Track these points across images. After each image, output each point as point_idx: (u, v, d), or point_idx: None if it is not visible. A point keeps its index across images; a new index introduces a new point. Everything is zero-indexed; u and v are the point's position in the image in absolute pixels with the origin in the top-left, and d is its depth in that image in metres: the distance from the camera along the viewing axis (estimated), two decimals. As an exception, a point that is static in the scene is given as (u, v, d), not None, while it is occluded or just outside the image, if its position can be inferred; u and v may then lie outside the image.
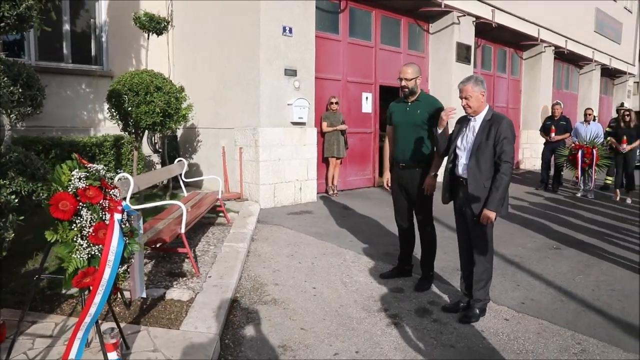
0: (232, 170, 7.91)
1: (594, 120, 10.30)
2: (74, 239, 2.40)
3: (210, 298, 3.66)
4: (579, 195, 9.53)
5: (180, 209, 4.55)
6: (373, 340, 3.27)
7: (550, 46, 14.56)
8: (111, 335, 2.56)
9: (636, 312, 3.83)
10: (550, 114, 10.56)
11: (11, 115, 3.38)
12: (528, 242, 5.86)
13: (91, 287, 2.41)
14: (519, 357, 3.10)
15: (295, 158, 7.80)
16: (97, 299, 2.41)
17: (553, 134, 9.88)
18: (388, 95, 10.05)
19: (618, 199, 9.17)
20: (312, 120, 8.11)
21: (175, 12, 9.14)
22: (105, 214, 2.48)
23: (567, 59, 16.58)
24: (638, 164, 10.23)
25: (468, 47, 11.18)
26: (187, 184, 6.67)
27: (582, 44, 16.39)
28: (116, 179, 3.88)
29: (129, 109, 6.24)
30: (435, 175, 4.07)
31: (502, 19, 12.01)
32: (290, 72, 7.63)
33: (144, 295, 3.30)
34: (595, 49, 17.38)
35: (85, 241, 2.40)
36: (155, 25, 7.31)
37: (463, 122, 3.70)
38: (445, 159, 3.88)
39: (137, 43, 8.72)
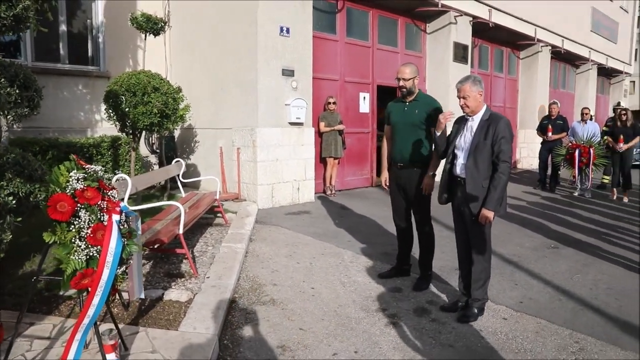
0: (229, 171, 7.90)
1: (591, 119, 10.33)
2: (72, 240, 2.40)
3: (208, 299, 3.66)
4: (576, 194, 9.55)
5: (178, 209, 4.55)
6: (372, 340, 3.28)
7: (547, 46, 14.59)
8: (109, 336, 2.56)
9: (633, 310, 3.85)
10: (547, 113, 10.58)
11: (8, 117, 3.37)
12: (526, 242, 5.87)
13: (90, 289, 2.41)
14: (517, 356, 3.10)
15: (293, 158, 7.79)
16: (96, 300, 2.40)
17: (550, 133, 9.90)
18: (385, 95, 10.07)
19: (615, 198, 9.19)
20: (310, 121, 8.11)
21: (172, 12, 9.13)
22: (103, 215, 2.47)
23: (564, 58, 16.62)
24: (635, 163, 10.27)
25: (465, 47, 11.20)
26: (184, 185, 6.66)
27: (579, 44, 16.43)
28: (114, 179, 3.88)
29: (127, 109, 6.22)
30: (434, 175, 4.08)
31: (499, 19, 12.03)
32: (288, 72, 7.63)
33: (143, 296, 3.29)
34: (591, 49, 17.42)
35: (84, 242, 2.39)
36: (152, 26, 7.29)
37: (461, 122, 3.71)
38: (444, 160, 3.88)
39: (134, 43, 8.70)
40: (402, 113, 4.19)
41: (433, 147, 4.03)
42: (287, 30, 7.55)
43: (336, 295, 4.06)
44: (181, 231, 4.27)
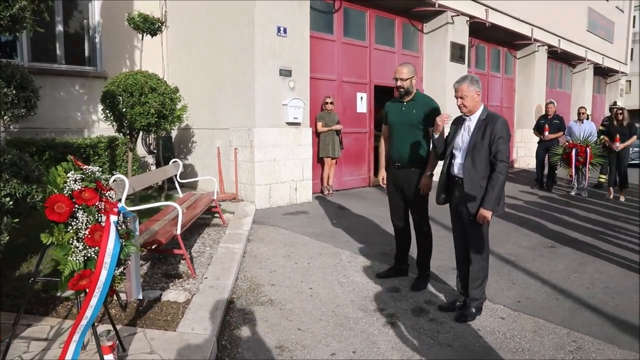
0: (227, 171, 7.89)
1: (588, 118, 10.36)
2: (70, 242, 2.39)
3: (206, 299, 3.66)
4: (573, 193, 9.57)
5: (176, 210, 4.54)
6: (370, 340, 3.28)
7: (543, 45, 14.63)
8: (107, 337, 2.56)
9: (630, 309, 3.86)
10: (544, 112, 10.61)
11: (5, 117, 3.36)
12: (523, 241, 5.89)
13: (87, 290, 2.40)
14: (515, 355, 3.11)
15: (290, 158, 7.79)
16: (94, 301, 2.40)
17: (547, 133, 9.92)
18: (383, 95, 10.08)
19: (611, 197, 9.23)
20: (307, 121, 8.11)
21: (169, 12, 9.11)
22: (101, 216, 2.47)
23: (561, 58, 16.67)
24: (631, 162, 10.30)
25: (462, 47, 11.22)
26: (182, 185, 6.66)
27: (575, 43, 16.49)
28: (111, 180, 3.87)
29: (124, 110, 6.21)
30: (431, 175, 4.08)
31: (495, 19, 12.05)
32: (285, 73, 7.63)
33: (141, 297, 3.29)
34: (588, 48, 17.48)
35: (82, 243, 2.39)
36: (150, 26, 7.28)
37: (458, 122, 3.71)
38: (442, 160, 3.88)
39: (131, 44, 8.68)
40: (399, 113, 4.20)
41: (431, 147, 4.03)
42: (285, 30, 7.55)
43: (334, 295, 4.07)
44: (179, 232, 4.26)
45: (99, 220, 2.46)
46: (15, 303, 3.35)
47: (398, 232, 4.46)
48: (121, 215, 2.64)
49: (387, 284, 4.32)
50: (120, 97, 6.19)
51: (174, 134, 9.02)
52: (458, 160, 3.64)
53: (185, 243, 4.66)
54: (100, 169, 2.65)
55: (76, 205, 2.39)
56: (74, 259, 2.38)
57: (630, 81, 29.11)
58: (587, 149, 9.05)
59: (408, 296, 4.07)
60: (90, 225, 2.41)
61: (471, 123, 3.59)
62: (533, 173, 11.45)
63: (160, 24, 7.51)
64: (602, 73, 20.76)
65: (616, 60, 20.73)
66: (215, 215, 6.40)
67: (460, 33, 11.12)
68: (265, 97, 7.39)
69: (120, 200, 3.62)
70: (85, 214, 2.41)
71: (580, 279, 4.55)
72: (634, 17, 24.57)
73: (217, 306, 3.53)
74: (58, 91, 7.86)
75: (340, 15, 9.22)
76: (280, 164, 7.64)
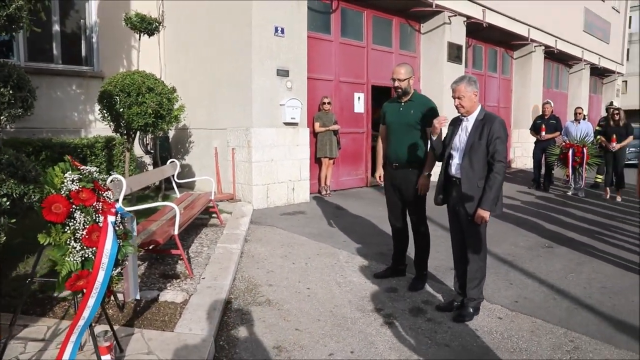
0: (224, 171, 7.88)
1: (584, 119, 10.39)
2: (67, 242, 2.38)
3: (204, 299, 3.65)
4: (570, 193, 9.60)
5: (173, 210, 4.54)
6: (368, 340, 3.28)
7: (540, 46, 14.67)
8: (105, 338, 2.55)
9: (627, 309, 3.87)
10: (540, 113, 10.64)
11: (1, 117, 3.35)
12: (520, 241, 5.90)
13: (85, 290, 2.39)
14: (512, 355, 3.12)
15: (288, 158, 7.79)
16: (91, 302, 2.39)
17: (543, 133, 9.95)
18: (380, 95, 10.09)
19: (608, 197, 9.25)
20: (305, 121, 8.11)
21: (166, 12, 9.10)
22: (98, 217, 2.46)
23: (557, 58, 16.72)
24: (627, 162, 10.33)
25: (459, 47, 11.24)
26: (179, 185, 6.64)
27: (572, 44, 16.53)
28: (108, 180, 3.86)
29: (121, 110, 6.20)
30: (429, 175, 4.09)
31: (492, 19, 12.08)
32: (283, 73, 7.62)
33: (138, 297, 3.29)
34: (584, 49, 17.53)
35: (79, 244, 2.38)
36: (147, 26, 7.26)
37: (456, 122, 3.72)
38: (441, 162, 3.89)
39: (128, 44, 8.67)
40: (397, 113, 4.20)
41: (428, 147, 4.04)
42: (282, 31, 7.54)
43: (332, 295, 4.06)
44: (176, 232, 4.26)
45: (97, 220, 2.45)
46: (12, 303, 3.33)
47: (396, 232, 4.46)
48: (119, 215, 2.63)
49: (385, 284, 4.32)
50: (118, 97, 6.18)
51: (171, 134, 9.01)
52: (456, 161, 3.65)
53: (182, 243, 4.65)
54: (98, 169, 2.65)
55: (73, 206, 2.39)
56: (72, 259, 2.38)
57: (626, 81, 29.20)
58: (584, 149, 9.08)
59: (406, 296, 4.07)
60: (87, 226, 2.41)
61: (469, 123, 3.59)
62: (530, 173, 11.48)
63: (157, 24, 7.50)
64: (599, 73, 20.83)
65: (612, 61, 20.81)
66: (213, 215, 6.40)
67: (457, 33, 11.14)
68: (262, 97, 7.39)
69: (117, 200, 3.62)
70: (83, 214, 2.40)
71: (578, 279, 4.56)
72: (630, 17, 24.63)
73: (214, 306, 3.53)
74: (55, 91, 7.84)
75: (337, 15, 9.22)
76: (277, 164, 7.64)
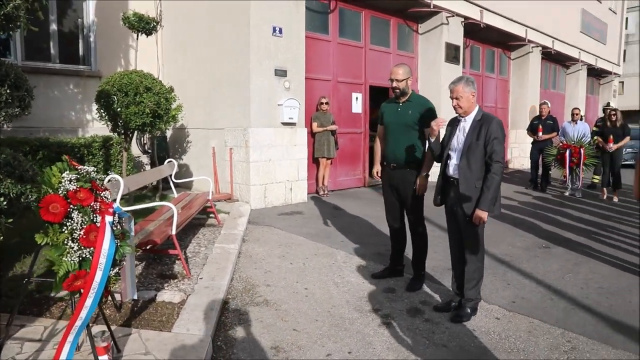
0: (222, 171, 7.88)
1: (581, 119, 10.42)
2: (65, 242, 2.38)
3: (201, 300, 3.65)
4: (567, 194, 9.62)
5: (171, 210, 4.53)
6: (365, 341, 3.28)
7: (537, 46, 14.70)
8: (102, 338, 2.54)
9: (624, 309, 3.88)
10: (537, 113, 10.66)
11: (-1, 117, 3.34)
12: (518, 241, 5.91)
13: (82, 290, 2.39)
14: (510, 355, 3.12)
15: (285, 158, 7.79)
16: (88, 302, 2.38)
17: (540, 133, 9.97)
18: (378, 95, 10.10)
19: (605, 197, 9.28)
20: (303, 121, 8.11)
21: (164, 12, 9.09)
22: (96, 217, 2.45)
23: (554, 59, 16.76)
24: (624, 162, 10.36)
25: (457, 48, 11.25)
26: (177, 185, 6.63)
27: (569, 45, 16.58)
28: (106, 180, 3.85)
29: (119, 109, 6.19)
30: (427, 176, 4.09)
31: (490, 20, 12.10)
32: (281, 73, 7.62)
33: (135, 297, 3.28)
34: (581, 49, 17.58)
35: (76, 244, 2.37)
36: (145, 26, 7.25)
37: (454, 123, 3.72)
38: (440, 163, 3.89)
39: (126, 43, 8.65)
40: (395, 114, 4.20)
41: (426, 147, 4.04)
42: (280, 31, 7.54)
43: (329, 295, 4.06)
44: (174, 232, 4.25)
45: (94, 220, 2.44)
46: (9, 303, 3.32)
47: (393, 232, 4.47)
48: (116, 215, 2.63)
49: (383, 285, 4.33)
50: (115, 97, 6.17)
51: (168, 133, 9.00)
52: (453, 161, 3.65)
53: (180, 243, 4.65)
54: (95, 169, 2.64)
55: (71, 206, 2.38)
56: (69, 259, 2.37)
57: (623, 82, 29.32)
58: (581, 149, 9.11)
59: (403, 297, 4.07)
60: (85, 226, 2.40)
61: (466, 124, 3.60)
62: (527, 174, 11.50)
63: (155, 24, 7.48)
64: (596, 74, 20.90)
65: (609, 62, 20.87)
66: (211, 215, 6.39)
67: (455, 34, 11.16)
68: (260, 97, 7.38)
69: (115, 200, 3.61)
70: (81, 214, 2.39)
71: (575, 279, 4.57)
72: (627, 18, 24.73)
73: (212, 307, 3.52)
74: (52, 90, 7.82)
75: (335, 15, 9.23)
76: (275, 164, 7.63)
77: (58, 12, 7.98)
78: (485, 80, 13.86)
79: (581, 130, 9.62)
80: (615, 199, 9.10)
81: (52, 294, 3.48)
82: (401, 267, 4.54)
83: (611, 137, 9.06)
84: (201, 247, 5.15)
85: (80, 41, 8.34)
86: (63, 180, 2.40)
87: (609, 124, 9.26)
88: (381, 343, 3.25)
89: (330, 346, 3.19)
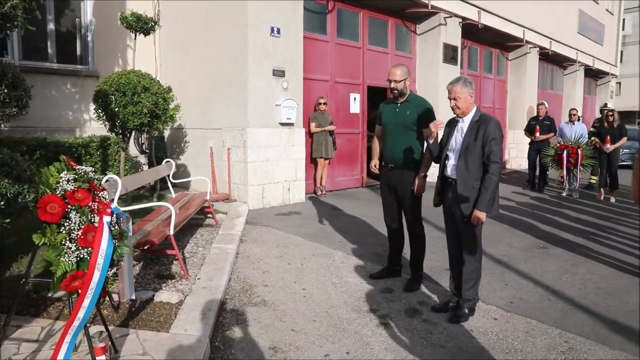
0: (220, 171, 7.87)
1: (579, 120, 10.45)
2: (63, 242, 2.37)
3: (199, 300, 3.64)
4: (564, 194, 9.65)
5: (169, 210, 4.52)
6: (363, 341, 3.28)
7: (535, 47, 14.73)
8: (100, 339, 2.54)
9: (622, 310, 3.89)
10: (535, 114, 10.69)
11: (-4, 116, 3.33)
12: (515, 242, 5.92)
13: (80, 291, 2.38)
14: (508, 356, 3.13)
15: (283, 159, 7.78)
16: (86, 302, 2.38)
17: (537, 134, 10.00)
18: (376, 95, 10.11)
19: (602, 198, 9.30)
20: (301, 121, 8.11)
21: (162, 11, 9.07)
22: (94, 217, 2.45)
23: (552, 59, 16.80)
24: (621, 163, 10.39)
25: (455, 48, 11.27)
26: (174, 185, 6.62)
27: (566, 45, 16.62)
28: (104, 180, 3.84)
29: (116, 109, 6.17)
30: (425, 176, 4.10)
31: (488, 20, 12.12)
32: (279, 73, 7.62)
33: (133, 297, 3.27)
34: (578, 50, 17.63)
35: (74, 244, 2.37)
36: (143, 25, 7.24)
37: (452, 124, 3.73)
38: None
39: (124, 43, 8.63)
40: (393, 114, 4.21)
41: (425, 147, 4.04)
42: (278, 31, 7.54)
43: (327, 296, 4.06)
44: (172, 232, 4.24)
45: (92, 220, 2.44)
46: (6, 304, 3.31)
47: (391, 232, 4.47)
48: (114, 215, 2.62)
49: (381, 285, 4.33)
50: (113, 97, 6.16)
51: (166, 133, 8.98)
52: (451, 162, 3.66)
53: (178, 243, 4.64)
54: (93, 169, 2.63)
55: (69, 206, 2.38)
56: (67, 259, 2.36)
57: (620, 83, 29.40)
58: (578, 150, 9.13)
59: (401, 297, 4.08)
60: (83, 226, 2.39)
61: (464, 124, 3.60)
62: (525, 174, 11.53)
63: (153, 24, 7.47)
64: (593, 75, 20.95)
65: (606, 62, 20.93)
66: (208, 215, 6.38)
67: (452, 34, 11.17)
68: (258, 97, 7.38)
69: (113, 200, 3.60)
70: (78, 214, 2.39)
71: (572, 280, 4.58)
72: (624, 20, 24.80)
73: (210, 307, 3.52)
74: (49, 90, 7.80)
75: (333, 15, 9.23)
76: (273, 165, 7.63)
77: (55, 12, 7.96)
78: (483, 80, 13.88)
79: (578, 131, 9.65)
80: (613, 200, 9.13)
81: (50, 294, 3.47)
82: (399, 267, 4.54)
83: (608, 137, 9.08)
84: (199, 247, 5.15)
85: (78, 41, 8.32)
86: (61, 180, 2.39)
87: (606, 124, 9.28)
88: (379, 343, 3.25)
89: (328, 346, 3.19)
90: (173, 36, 8.95)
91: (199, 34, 8.28)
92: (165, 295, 3.71)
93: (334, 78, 9.35)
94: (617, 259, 5.25)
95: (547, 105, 10.51)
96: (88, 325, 2.55)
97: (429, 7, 10.18)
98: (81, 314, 2.37)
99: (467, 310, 3.66)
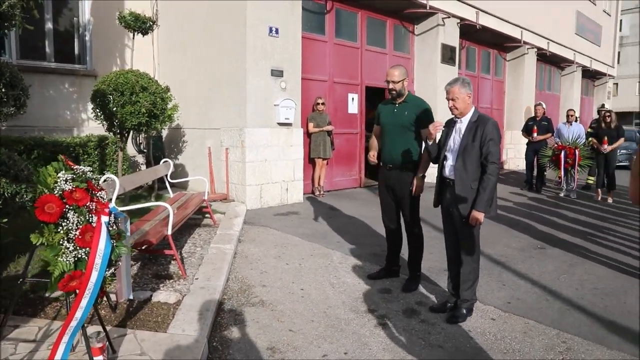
0: (218, 171, 7.86)
1: (576, 121, 10.47)
2: (60, 242, 2.36)
3: (197, 300, 3.63)
4: (562, 195, 9.66)
5: (167, 210, 4.52)
6: (361, 341, 3.28)
7: (532, 48, 14.76)
8: (97, 339, 2.53)
9: (619, 310, 3.90)
10: (532, 114, 10.71)
11: (-7, 116, 3.32)
12: (513, 242, 5.93)
13: (77, 291, 2.37)
14: (505, 356, 3.13)
15: (281, 159, 7.78)
16: (84, 302, 2.37)
17: (535, 134, 10.01)
18: (374, 96, 10.11)
19: (599, 198, 9.32)
20: (299, 121, 8.11)
21: (160, 11, 9.06)
22: (92, 217, 2.44)
23: (549, 60, 16.84)
24: (619, 164, 10.42)
25: (453, 49, 11.28)
26: (172, 185, 6.61)
27: (564, 46, 16.66)
28: (102, 180, 3.83)
29: (114, 109, 6.16)
30: (423, 177, 4.10)
31: (486, 21, 12.13)
32: (277, 73, 7.61)
33: (131, 297, 3.26)
34: (576, 51, 17.67)
35: (72, 244, 2.36)
36: (141, 25, 7.23)
37: (450, 124, 3.73)
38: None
39: (122, 42, 8.62)
40: (391, 114, 4.21)
41: (423, 148, 4.05)
42: (276, 31, 7.53)
43: (325, 296, 4.06)
44: (169, 232, 4.24)
45: (90, 220, 2.43)
46: (3, 304, 3.30)
47: (389, 233, 4.47)
48: (112, 215, 2.62)
49: (379, 285, 4.33)
50: (111, 96, 6.15)
51: (164, 133, 8.97)
52: (449, 162, 3.66)
53: (175, 243, 4.63)
54: (91, 169, 2.63)
55: (67, 206, 2.37)
56: (65, 259, 2.36)
57: (617, 84, 29.47)
58: (576, 151, 9.14)
59: (399, 297, 4.08)
60: (81, 226, 2.39)
61: (462, 125, 3.60)
62: (522, 174, 11.54)
63: (151, 23, 7.47)
64: (590, 76, 21.01)
65: (604, 63, 20.98)
66: (206, 215, 6.37)
67: (451, 35, 11.18)
68: (256, 97, 7.38)
69: (110, 200, 3.60)
70: (76, 214, 2.38)
71: (570, 280, 4.59)
72: (621, 21, 24.88)
73: (207, 307, 3.51)
74: (47, 89, 7.78)
75: (332, 16, 9.23)
76: (271, 165, 7.63)
77: (53, 11, 7.95)
78: (481, 81, 13.91)
79: (576, 132, 9.67)
80: (610, 200, 9.15)
81: (47, 295, 3.46)
82: (397, 267, 4.54)
83: (606, 138, 9.10)
84: (197, 247, 5.14)
85: (76, 40, 8.30)
86: (59, 180, 2.39)
87: (603, 125, 9.30)
88: (377, 344, 3.25)
89: (326, 347, 3.19)
90: (171, 36, 8.94)
91: (198, 33, 8.27)
92: (163, 295, 3.70)
93: (332, 78, 9.35)
94: (615, 260, 5.27)
95: (544, 105, 10.53)
96: (86, 325, 2.55)
97: (427, 8, 10.19)
98: (79, 314, 2.37)
99: (465, 311, 3.66)
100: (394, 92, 4.13)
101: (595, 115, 15.79)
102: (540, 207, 8.43)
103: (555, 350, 3.21)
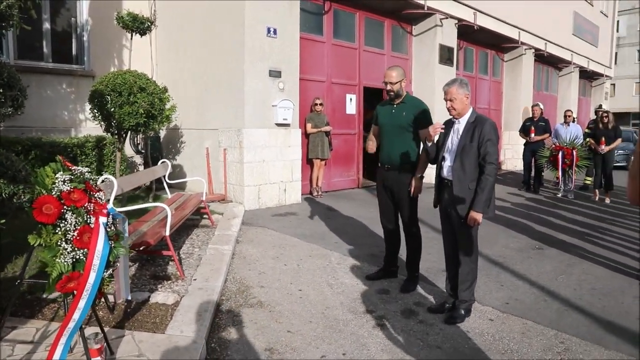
0: (216, 172, 7.85)
1: (574, 121, 10.50)
2: (58, 243, 2.36)
3: (195, 301, 3.63)
4: (559, 195, 9.68)
5: (164, 211, 4.51)
6: (360, 342, 3.28)
7: (530, 48, 14.78)
8: (95, 340, 2.52)
9: (617, 311, 3.91)
10: (530, 115, 10.73)
11: (-9, 116, 3.31)
12: (511, 243, 5.93)
13: (75, 292, 2.37)
14: (504, 357, 3.13)
15: (279, 159, 7.77)
16: (82, 303, 2.37)
17: (532, 135, 10.03)
18: (372, 96, 10.11)
19: (597, 199, 9.35)
20: (297, 122, 8.10)
21: (158, 11, 9.05)
22: (90, 218, 2.44)
23: (547, 61, 16.87)
24: (616, 164, 10.44)
25: (451, 49, 11.29)
26: (170, 186, 6.60)
27: (561, 47, 16.69)
28: (99, 180, 3.82)
29: (112, 109, 6.15)
30: (422, 177, 4.10)
31: (483, 22, 12.15)
32: (275, 73, 7.61)
33: (129, 298, 3.26)
34: (573, 52, 17.70)
35: (70, 245, 2.35)
36: (139, 25, 7.22)
37: (448, 125, 3.73)
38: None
39: (120, 43, 8.61)
40: (389, 115, 4.21)
41: (421, 149, 4.05)
42: (274, 31, 7.53)
43: (324, 297, 4.06)
44: (168, 233, 4.23)
45: (88, 221, 2.43)
46: (1, 305, 3.29)
47: (387, 233, 4.47)
48: (110, 216, 2.61)
49: (377, 286, 4.33)
50: (109, 97, 6.14)
51: (162, 134, 8.96)
52: (447, 163, 3.66)
53: (173, 244, 4.62)
54: (89, 170, 2.62)
55: (65, 207, 2.36)
56: (62, 260, 2.35)
57: (614, 84, 29.56)
58: (574, 151, 9.17)
59: (397, 298, 4.08)
60: (79, 227, 2.38)
61: (460, 126, 3.61)
62: (520, 175, 11.56)
63: (149, 24, 7.45)
64: (588, 76, 21.05)
65: (601, 64, 21.03)
66: (204, 216, 6.37)
67: (448, 36, 11.20)
68: (254, 98, 7.37)
69: (108, 201, 3.59)
70: (74, 215, 2.37)
71: (568, 281, 4.60)
72: (618, 21, 24.95)
73: (206, 308, 3.51)
74: (45, 90, 7.77)
75: (330, 16, 9.23)
76: (269, 165, 7.62)
77: (51, 11, 7.93)
78: (479, 82, 13.92)
79: (573, 132, 9.70)
80: (607, 201, 9.17)
81: (45, 296, 3.46)
82: (395, 268, 4.54)
83: (603, 139, 9.12)
84: (195, 248, 5.13)
85: (74, 40, 8.29)
86: (57, 181, 2.38)
87: (601, 126, 9.33)
88: (375, 344, 3.25)
89: (324, 348, 3.19)
90: (169, 36, 8.93)
91: (196, 34, 8.26)
92: (161, 296, 3.69)
93: (330, 79, 9.35)
94: (613, 260, 5.28)
95: (542, 106, 10.55)
96: (83, 326, 2.54)
97: (425, 9, 10.20)
98: (77, 315, 2.36)
99: (463, 311, 3.66)
100: (392, 93, 4.13)
101: (592, 116, 15.84)
102: (538, 207, 8.45)
103: (553, 351, 3.21)
